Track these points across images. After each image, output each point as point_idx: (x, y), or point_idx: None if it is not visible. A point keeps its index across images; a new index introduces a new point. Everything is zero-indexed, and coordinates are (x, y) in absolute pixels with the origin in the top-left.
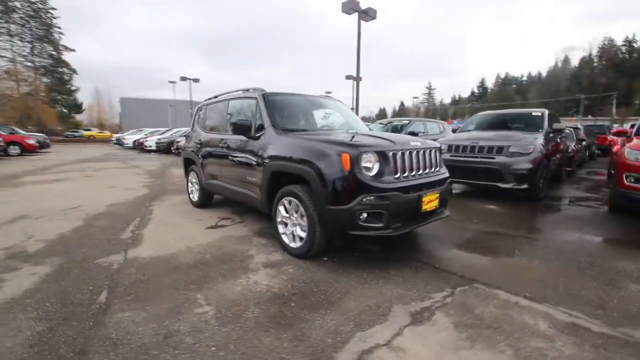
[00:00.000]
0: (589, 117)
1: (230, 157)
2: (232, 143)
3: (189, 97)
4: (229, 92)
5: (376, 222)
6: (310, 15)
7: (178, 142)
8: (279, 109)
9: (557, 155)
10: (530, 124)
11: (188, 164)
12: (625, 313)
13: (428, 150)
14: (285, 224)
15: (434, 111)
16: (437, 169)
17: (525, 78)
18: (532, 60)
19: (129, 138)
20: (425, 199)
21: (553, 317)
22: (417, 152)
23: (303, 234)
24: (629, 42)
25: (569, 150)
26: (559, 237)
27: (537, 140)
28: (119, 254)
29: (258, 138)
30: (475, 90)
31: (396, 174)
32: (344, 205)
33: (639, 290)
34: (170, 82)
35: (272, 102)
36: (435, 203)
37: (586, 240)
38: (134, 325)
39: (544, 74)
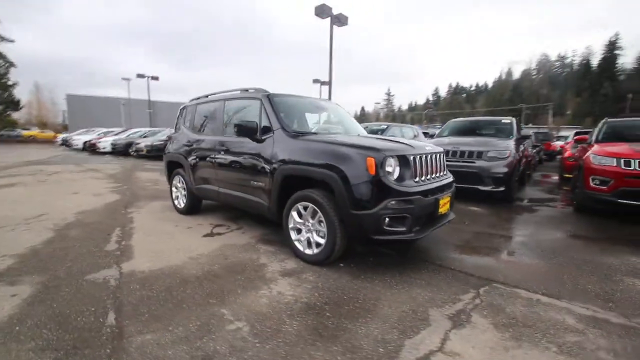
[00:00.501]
0: (530, 125)
1: (229, 160)
2: (233, 146)
3: (147, 95)
4: (221, 92)
5: (399, 226)
6: (269, 17)
7: (137, 143)
8: (285, 111)
9: (524, 160)
10: (501, 131)
11: (173, 168)
12: (632, 305)
13: (438, 155)
14: (299, 230)
15: (392, 116)
16: (445, 172)
17: (473, 88)
18: (480, 71)
19: (78, 139)
20: (441, 202)
21: (575, 312)
22: (431, 156)
23: (321, 240)
24: (561, 58)
25: (529, 155)
26: (545, 236)
27: (510, 146)
28: (111, 269)
29: (263, 141)
30: (430, 98)
31: (416, 177)
32: (369, 210)
33: (634, 283)
34: (124, 79)
35: (277, 104)
36: (448, 206)
37: (569, 238)
38: (162, 349)
39: (490, 84)
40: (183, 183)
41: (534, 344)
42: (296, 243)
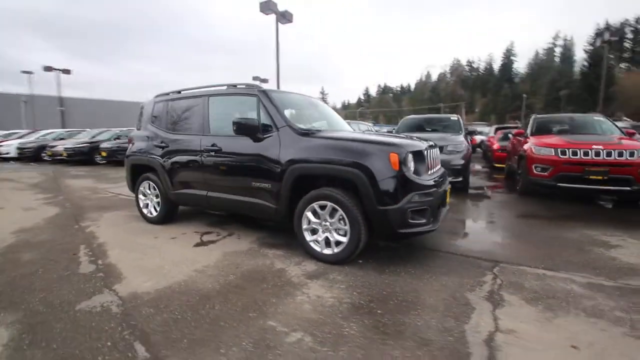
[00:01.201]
0: None
1: (221, 161)
2: (226, 145)
3: (57, 91)
4: (197, 88)
5: (421, 218)
6: (192, 8)
7: (54, 146)
8: (286, 108)
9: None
10: (449, 127)
11: (140, 172)
12: (611, 269)
13: (436, 149)
14: (314, 231)
15: None
16: (440, 165)
17: (399, 88)
18: (404, 73)
19: None
20: (447, 192)
21: (576, 281)
22: (433, 151)
23: (343, 239)
24: (470, 63)
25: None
26: (511, 218)
27: (464, 140)
28: (103, 294)
29: (264, 139)
30: (362, 97)
31: (428, 171)
32: (395, 205)
33: (601, 251)
34: (25, 72)
35: (277, 100)
36: (449, 196)
37: (530, 219)
38: None
39: (412, 85)
40: (154, 189)
41: (566, 312)
42: (312, 244)
